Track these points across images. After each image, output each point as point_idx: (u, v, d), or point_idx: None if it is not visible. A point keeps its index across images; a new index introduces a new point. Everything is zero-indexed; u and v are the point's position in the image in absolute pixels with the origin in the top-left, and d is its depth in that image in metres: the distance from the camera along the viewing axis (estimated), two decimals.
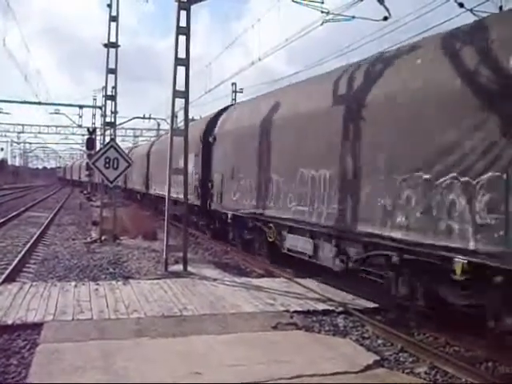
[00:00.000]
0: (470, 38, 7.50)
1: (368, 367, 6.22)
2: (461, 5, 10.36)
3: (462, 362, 6.58)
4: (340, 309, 8.73)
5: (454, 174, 7.13)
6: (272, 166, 12.64)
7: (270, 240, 12.96)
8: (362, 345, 7.21)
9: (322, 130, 10.53)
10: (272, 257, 13.45)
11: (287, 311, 8.51)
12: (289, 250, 12.13)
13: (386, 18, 12.60)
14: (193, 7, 12.15)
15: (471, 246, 6.79)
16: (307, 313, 8.51)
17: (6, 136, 78.60)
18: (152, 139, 45.35)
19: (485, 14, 8.93)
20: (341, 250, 10.02)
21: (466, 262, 6.86)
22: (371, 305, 9.09)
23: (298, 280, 10.95)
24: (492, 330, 6.95)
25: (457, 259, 6.98)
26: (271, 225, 12.85)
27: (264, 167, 13.03)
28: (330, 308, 8.78)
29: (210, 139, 17.25)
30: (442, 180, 7.34)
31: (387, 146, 8.56)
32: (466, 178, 6.94)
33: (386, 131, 8.60)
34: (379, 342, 7.44)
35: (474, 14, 9.78)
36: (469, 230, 6.83)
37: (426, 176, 7.62)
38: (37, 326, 7.30)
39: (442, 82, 7.60)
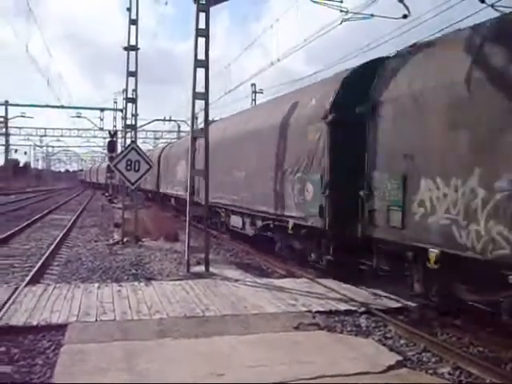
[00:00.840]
0: None
1: (391, 367, 6.18)
2: (482, 0, 10.22)
3: (486, 362, 6.50)
4: (362, 309, 8.69)
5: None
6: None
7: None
8: (384, 345, 7.17)
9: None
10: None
11: (309, 311, 8.50)
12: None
13: (405, 16, 12.53)
14: (212, 10, 12.21)
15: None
16: (329, 313, 8.48)
17: (29, 140, 79.84)
18: (168, 141, 45.74)
19: (507, 10, 8.79)
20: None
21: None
22: (394, 304, 9.03)
23: (320, 280, 10.92)
24: None
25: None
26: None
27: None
28: (352, 308, 8.74)
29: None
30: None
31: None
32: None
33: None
34: (402, 341, 7.39)
35: (495, 10, 9.65)
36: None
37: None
38: (61, 327, 7.38)
39: None
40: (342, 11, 13.36)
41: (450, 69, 7.93)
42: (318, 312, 8.47)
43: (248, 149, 15.50)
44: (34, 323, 7.53)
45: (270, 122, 14.08)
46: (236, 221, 17.02)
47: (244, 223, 16.22)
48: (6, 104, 49.82)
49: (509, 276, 6.63)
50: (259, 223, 14.82)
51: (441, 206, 7.79)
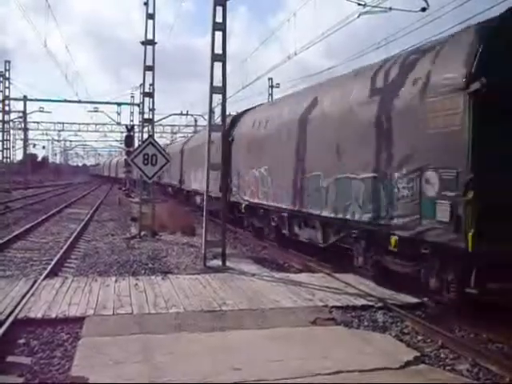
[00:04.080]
0: None
1: (408, 363, 6.14)
2: None
3: (505, 359, 6.44)
4: (379, 304, 8.65)
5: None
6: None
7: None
8: (401, 340, 7.13)
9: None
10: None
11: (326, 306, 8.47)
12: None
13: (424, 9, 12.42)
14: (230, 4, 12.21)
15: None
16: (346, 308, 8.45)
17: (47, 134, 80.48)
18: (188, 136, 45.68)
19: None
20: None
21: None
22: (411, 300, 8.97)
23: (337, 275, 10.89)
24: None
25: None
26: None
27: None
28: (369, 303, 8.70)
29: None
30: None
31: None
32: None
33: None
34: (419, 337, 7.34)
35: None
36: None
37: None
38: (79, 320, 7.43)
39: None
40: (359, 4, 13.28)
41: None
42: (334, 307, 8.44)
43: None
44: (53, 316, 7.60)
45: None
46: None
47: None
48: (25, 99, 50.18)
49: None
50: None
51: None
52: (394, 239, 9.30)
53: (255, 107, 20.12)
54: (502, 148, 7.53)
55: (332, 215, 11.39)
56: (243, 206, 17.88)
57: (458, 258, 8.00)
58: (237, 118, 20.07)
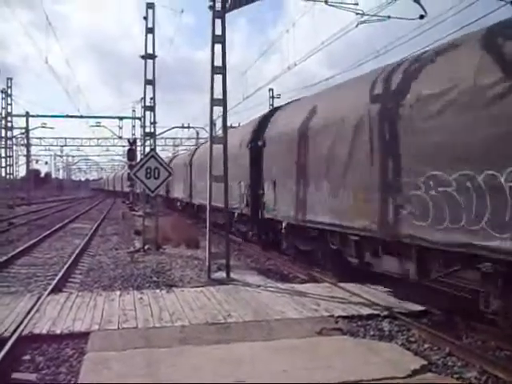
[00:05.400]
0: None
1: (415, 372, 6.10)
2: None
3: None
4: (385, 313, 8.61)
5: None
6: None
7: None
8: (408, 349, 7.09)
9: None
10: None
11: (331, 316, 8.44)
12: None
13: (422, 17, 12.48)
14: (229, 16, 12.26)
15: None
16: (352, 318, 8.41)
17: (49, 150, 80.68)
18: (191, 148, 45.62)
19: None
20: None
21: None
22: (417, 308, 8.93)
23: (342, 285, 10.85)
24: None
25: None
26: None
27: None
28: (375, 312, 8.66)
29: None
30: None
31: None
32: None
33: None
34: (426, 346, 7.29)
35: None
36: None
37: None
38: (84, 335, 7.42)
39: None
40: (357, 14, 13.35)
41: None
42: (340, 317, 8.41)
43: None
44: (58, 331, 7.58)
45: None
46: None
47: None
48: (27, 115, 50.35)
49: None
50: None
51: None
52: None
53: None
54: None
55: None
56: (284, 225, 14.08)
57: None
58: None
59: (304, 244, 13.55)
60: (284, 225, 13.91)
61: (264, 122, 16.28)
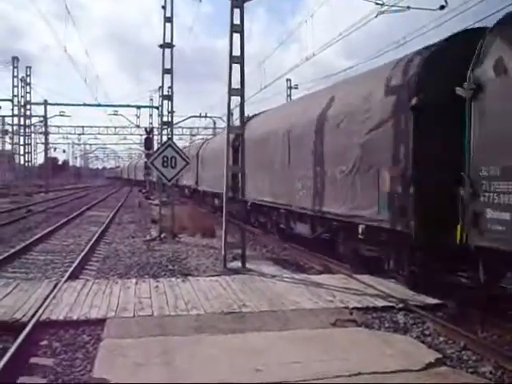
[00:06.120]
0: None
1: (430, 365, 6.06)
2: None
3: None
4: (400, 305, 8.58)
5: None
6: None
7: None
8: (423, 342, 7.06)
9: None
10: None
11: (346, 308, 8.43)
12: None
13: (442, 7, 12.33)
14: (248, 6, 12.21)
15: None
16: (366, 309, 8.39)
17: (67, 138, 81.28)
18: (198, 142, 45.57)
19: None
20: None
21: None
22: (432, 301, 8.88)
23: (357, 276, 10.83)
24: None
25: None
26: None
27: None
28: (390, 304, 8.63)
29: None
30: None
31: None
32: None
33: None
34: (441, 339, 7.25)
35: None
36: None
37: None
38: (100, 322, 7.49)
39: None
40: (377, 4, 13.24)
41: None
42: (355, 308, 8.39)
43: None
44: (74, 318, 7.67)
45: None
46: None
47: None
48: (46, 103, 50.69)
49: None
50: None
51: None
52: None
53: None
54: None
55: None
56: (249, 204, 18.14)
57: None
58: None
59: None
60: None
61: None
